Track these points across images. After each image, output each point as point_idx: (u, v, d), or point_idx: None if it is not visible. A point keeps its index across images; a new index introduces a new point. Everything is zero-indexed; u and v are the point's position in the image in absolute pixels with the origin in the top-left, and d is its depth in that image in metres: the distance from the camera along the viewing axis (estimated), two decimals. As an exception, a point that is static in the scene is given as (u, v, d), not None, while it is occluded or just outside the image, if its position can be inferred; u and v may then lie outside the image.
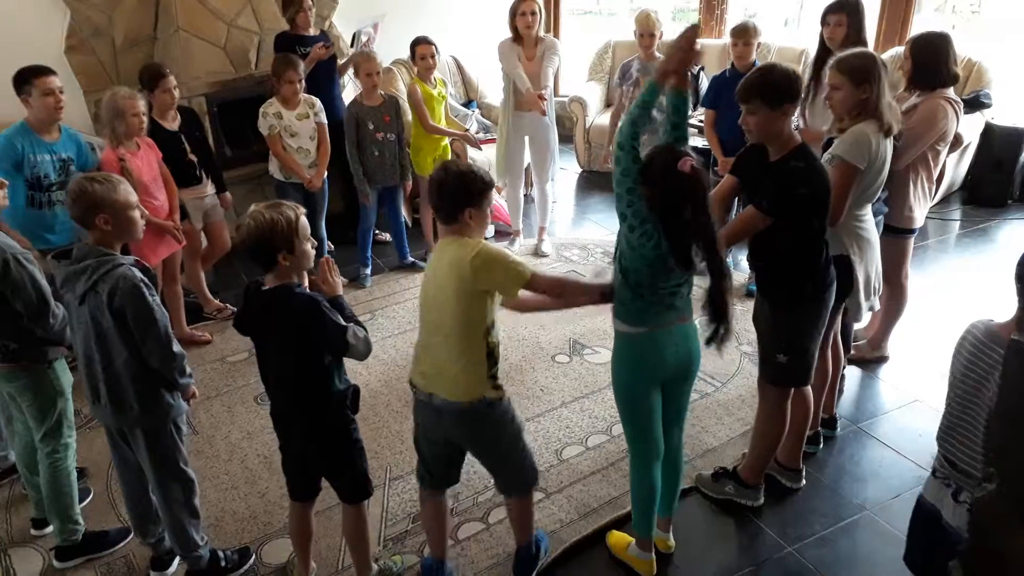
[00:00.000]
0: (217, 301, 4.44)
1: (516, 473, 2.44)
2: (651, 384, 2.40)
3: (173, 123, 3.99)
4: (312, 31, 4.95)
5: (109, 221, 2.25)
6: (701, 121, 5.76)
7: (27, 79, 3.28)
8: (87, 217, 2.25)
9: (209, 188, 4.18)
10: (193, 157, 4.03)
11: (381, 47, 5.36)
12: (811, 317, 2.66)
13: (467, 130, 4.92)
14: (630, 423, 2.49)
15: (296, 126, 4.29)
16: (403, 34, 5.01)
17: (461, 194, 2.15)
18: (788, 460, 3.00)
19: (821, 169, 2.48)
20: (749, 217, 2.50)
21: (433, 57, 4.55)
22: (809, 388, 2.83)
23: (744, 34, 4.08)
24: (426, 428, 2.39)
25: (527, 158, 5.01)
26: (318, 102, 4.41)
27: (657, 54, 4.60)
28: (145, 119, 3.54)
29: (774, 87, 2.42)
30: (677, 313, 2.33)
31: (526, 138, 4.84)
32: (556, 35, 7.41)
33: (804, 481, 3.00)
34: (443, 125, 4.76)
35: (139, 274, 2.26)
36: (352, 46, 5.54)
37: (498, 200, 5.22)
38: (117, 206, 2.26)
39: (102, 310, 2.23)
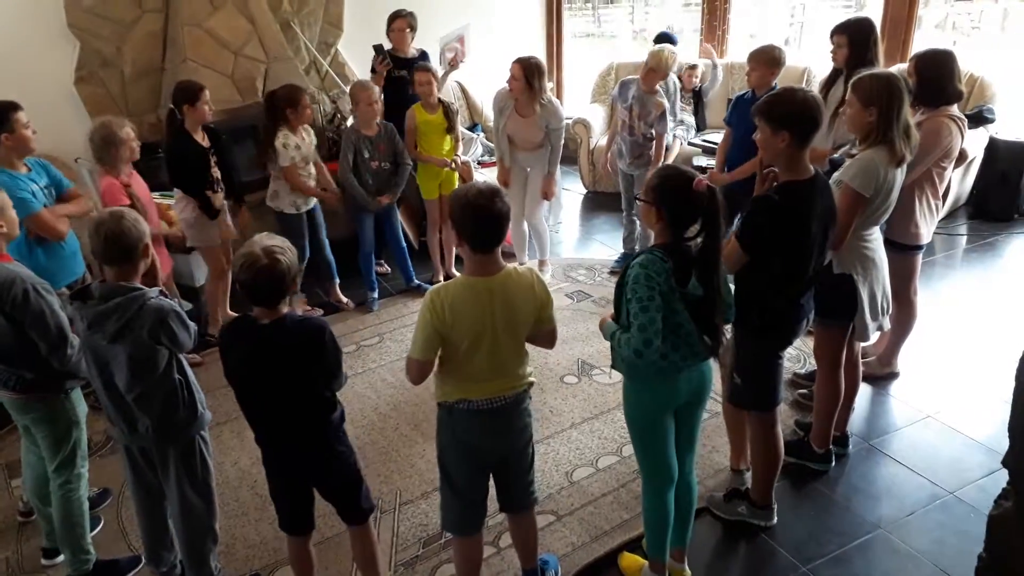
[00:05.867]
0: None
1: (530, 473, 2.46)
2: (665, 411, 2.40)
3: (204, 141, 4.07)
4: (411, 52, 5.02)
5: (148, 252, 2.28)
6: (705, 140, 5.81)
7: (6, 115, 3.07)
8: (126, 257, 2.23)
9: (223, 205, 4.20)
10: (215, 173, 4.10)
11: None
12: (757, 349, 2.65)
13: (456, 160, 4.76)
14: (643, 449, 2.47)
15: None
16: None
17: (508, 221, 2.17)
18: (758, 496, 2.92)
19: (799, 211, 2.42)
20: (731, 247, 2.49)
21: (429, 83, 4.53)
22: (774, 424, 2.77)
23: (750, 59, 4.05)
24: (480, 443, 2.32)
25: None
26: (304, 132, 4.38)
27: (658, 87, 4.58)
28: (137, 146, 3.61)
29: (774, 110, 2.43)
30: (692, 350, 2.30)
31: (528, 169, 4.76)
32: (559, 58, 7.50)
33: (776, 519, 2.91)
34: (440, 151, 4.68)
35: (169, 301, 2.28)
36: (440, 63, 5.54)
37: None
38: (148, 237, 2.29)
39: (140, 344, 2.21)
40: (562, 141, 4.66)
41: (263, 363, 2.20)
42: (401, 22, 4.95)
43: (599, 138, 6.44)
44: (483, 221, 2.10)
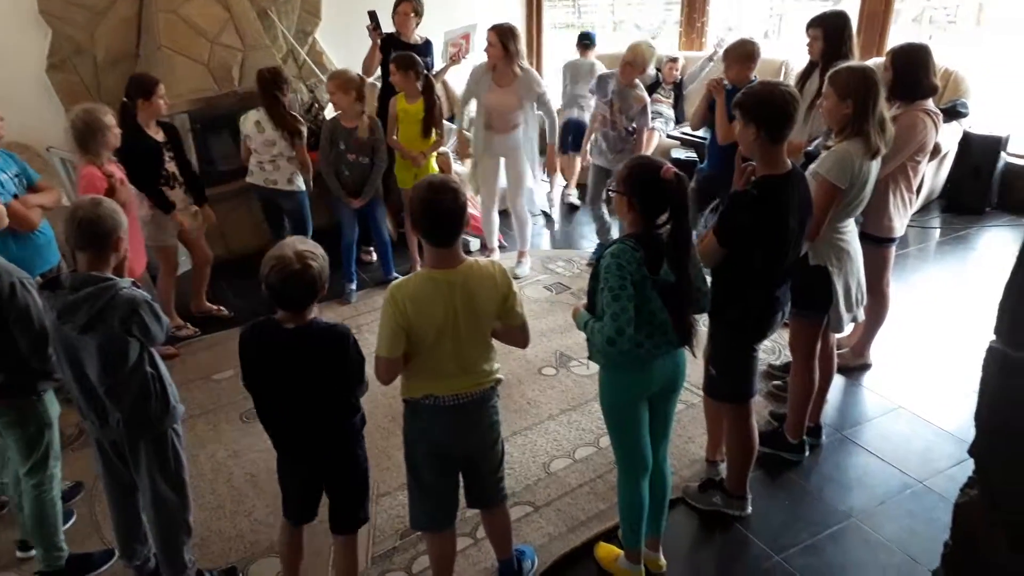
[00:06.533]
0: (179, 319, 4.41)
1: (499, 471, 2.47)
2: (638, 398, 2.42)
3: (157, 134, 4.00)
4: (415, 39, 5.01)
5: (121, 246, 2.24)
6: (684, 133, 5.83)
7: None
8: (102, 244, 2.20)
9: (182, 201, 4.14)
10: (170, 168, 4.04)
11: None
12: (733, 341, 2.68)
13: (423, 152, 4.64)
14: (618, 437, 2.50)
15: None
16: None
17: (463, 216, 2.16)
18: (733, 486, 2.95)
19: (778, 203, 2.45)
20: (708, 241, 2.52)
21: (393, 73, 4.49)
22: (749, 415, 2.79)
23: (725, 56, 4.05)
24: (446, 440, 2.32)
25: (502, 179, 4.90)
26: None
27: (637, 80, 4.55)
28: (119, 133, 3.53)
29: (748, 104, 2.46)
30: (665, 337, 2.32)
31: (501, 159, 4.75)
32: (538, 50, 7.47)
33: (750, 508, 2.95)
34: (416, 142, 4.63)
35: (141, 292, 2.25)
36: (442, 57, 5.48)
37: (475, 210, 5.12)
38: (124, 231, 2.25)
39: (113, 337, 2.18)
40: (553, 109, 4.64)
41: (288, 369, 2.17)
42: (405, 6, 4.93)
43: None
44: (435, 216, 2.10)
